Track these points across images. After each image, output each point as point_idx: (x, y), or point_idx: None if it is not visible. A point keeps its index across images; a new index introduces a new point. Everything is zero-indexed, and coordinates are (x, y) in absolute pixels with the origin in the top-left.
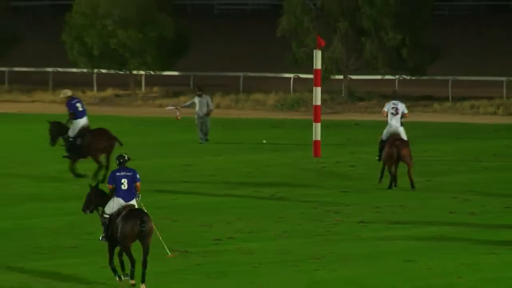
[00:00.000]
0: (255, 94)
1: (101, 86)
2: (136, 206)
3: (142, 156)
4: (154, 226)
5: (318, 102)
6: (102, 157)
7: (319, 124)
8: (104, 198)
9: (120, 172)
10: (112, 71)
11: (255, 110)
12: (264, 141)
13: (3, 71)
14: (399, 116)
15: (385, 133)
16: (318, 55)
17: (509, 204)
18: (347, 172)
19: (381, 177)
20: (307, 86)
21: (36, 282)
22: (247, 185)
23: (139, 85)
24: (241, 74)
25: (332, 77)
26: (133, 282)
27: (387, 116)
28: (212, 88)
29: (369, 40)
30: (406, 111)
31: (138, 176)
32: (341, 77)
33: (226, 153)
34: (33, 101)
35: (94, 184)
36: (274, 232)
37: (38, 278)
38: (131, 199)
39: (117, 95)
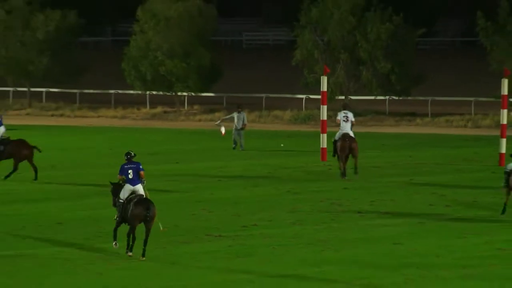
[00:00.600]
0: (274, 111)
1: (153, 105)
2: (142, 190)
3: (185, 160)
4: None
5: (325, 117)
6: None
7: (325, 135)
8: (118, 188)
9: (127, 165)
10: (161, 93)
11: (274, 124)
12: (282, 145)
13: (75, 93)
14: (349, 122)
15: (337, 135)
16: (324, 80)
17: (476, 198)
18: (347, 173)
19: (343, 173)
20: (316, 104)
21: (98, 258)
22: (268, 183)
23: (183, 104)
24: (263, 95)
25: (336, 97)
26: (130, 254)
27: (339, 123)
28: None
29: (365, 68)
30: (353, 120)
31: (141, 167)
32: (343, 97)
33: (252, 158)
34: (98, 117)
35: (113, 182)
36: (289, 220)
37: (101, 255)
38: (137, 184)
39: (165, 112)
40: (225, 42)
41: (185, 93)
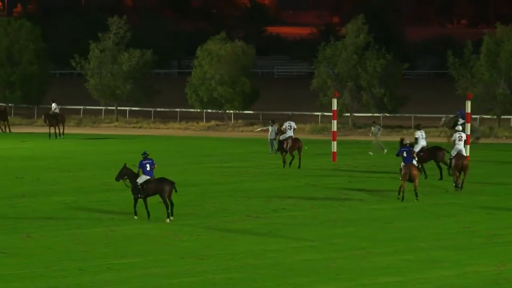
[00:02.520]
0: (298, 124)
1: (208, 119)
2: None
3: (231, 161)
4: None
5: (335, 129)
6: None
7: (335, 142)
8: (133, 173)
9: (145, 161)
10: (214, 111)
11: (298, 134)
12: (306, 148)
13: (150, 110)
14: (292, 129)
15: (282, 137)
16: (335, 101)
17: (447, 188)
18: (352, 170)
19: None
20: (328, 119)
21: (167, 233)
22: (292, 178)
23: (230, 119)
24: (290, 112)
25: (343, 114)
26: (168, 220)
27: (285, 129)
28: (273, 120)
29: (365, 92)
30: (295, 127)
31: (154, 162)
32: (348, 114)
33: (281, 159)
34: (167, 128)
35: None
36: (308, 205)
37: (169, 231)
38: (151, 174)
39: (217, 125)
40: (262, 73)
41: (231, 111)
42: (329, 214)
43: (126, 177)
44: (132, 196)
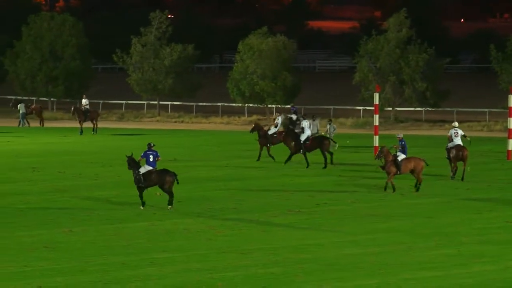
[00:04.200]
0: (340, 118)
1: (249, 114)
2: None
3: (276, 155)
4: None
5: (377, 123)
6: None
7: (377, 136)
8: (136, 163)
9: (149, 152)
10: (256, 105)
11: (340, 128)
12: (348, 142)
13: (192, 105)
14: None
15: (272, 130)
16: (376, 96)
17: (490, 183)
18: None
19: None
20: (370, 114)
21: (207, 227)
22: (335, 172)
23: (272, 112)
24: (331, 107)
25: (385, 109)
26: (170, 207)
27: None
28: (314, 115)
29: (407, 87)
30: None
31: (158, 154)
32: (390, 109)
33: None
34: (209, 123)
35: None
36: (350, 199)
37: (209, 225)
38: (154, 165)
39: (258, 119)
40: (303, 68)
41: (273, 105)
42: (371, 209)
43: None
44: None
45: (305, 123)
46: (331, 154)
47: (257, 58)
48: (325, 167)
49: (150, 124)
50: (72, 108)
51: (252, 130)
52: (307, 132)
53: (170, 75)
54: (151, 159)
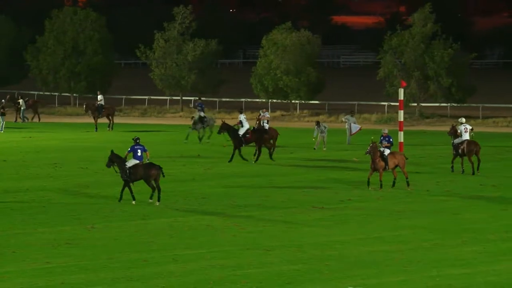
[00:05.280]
0: (364, 114)
1: (273, 109)
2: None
3: (297, 151)
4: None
5: (401, 119)
6: None
7: (402, 132)
8: (120, 158)
9: (136, 146)
10: (279, 101)
11: (364, 124)
12: (372, 138)
13: (215, 101)
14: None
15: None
16: (401, 91)
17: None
18: (419, 160)
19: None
20: (395, 109)
21: (231, 224)
22: (360, 168)
23: (295, 109)
24: (355, 102)
25: (410, 104)
26: (157, 203)
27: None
28: (338, 111)
29: (432, 82)
30: (268, 115)
31: (146, 148)
32: (415, 104)
33: (347, 149)
34: (232, 118)
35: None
36: (375, 196)
37: (234, 221)
38: (141, 159)
39: (282, 115)
40: (327, 63)
41: (297, 101)
42: (396, 206)
43: (115, 163)
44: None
45: (242, 117)
46: (269, 148)
47: (281, 53)
48: (256, 160)
49: (172, 119)
50: (85, 105)
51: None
52: (246, 126)
53: (193, 70)
54: (139, 154)
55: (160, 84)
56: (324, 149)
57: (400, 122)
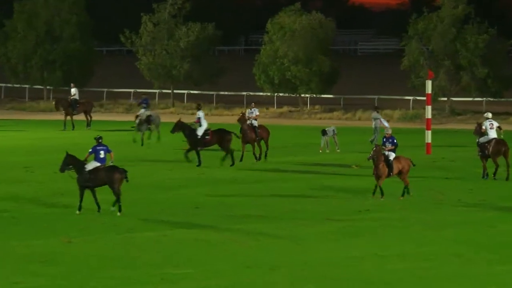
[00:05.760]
0: (385, 110)
1: (279, 105)
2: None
3: (306, 153)
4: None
5: (429, 116)
6: None
7: (429, 131)
8: (77, 161)
9: (99, 146)
10: (287, 94)
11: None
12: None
13: (212, 94)
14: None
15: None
16: (429, 84)
17: None
18: (449, 165)
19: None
20: (421, 105)
21: (229, 239)
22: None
23: (306, 104)
24: (375, 96)
25: (439, 99)
26: (118, 213)
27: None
28: (356, 106)
29: (465, 73)
30: (257, 113)
31: (110, 149)
32: (445, 99)
33: (365, 151)
34: (232, 115)
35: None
36: (397, 205)
37: (232, 236)
38: (104, 162)
39: (290, 111)
40: (343, 50)
41: (307, 95)
42: (421, 216)
43: (71, 166)
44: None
45: (201, 114)
46: (228, 152)
47: (289, 39)
48: (223, 160)
49: (162, 116)
50: (55, 101)
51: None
52: (204, 125)
53: (187, 59)
54: (102, 155)
55: (148, 74)
56: (338, 150)
57: (428, 119)
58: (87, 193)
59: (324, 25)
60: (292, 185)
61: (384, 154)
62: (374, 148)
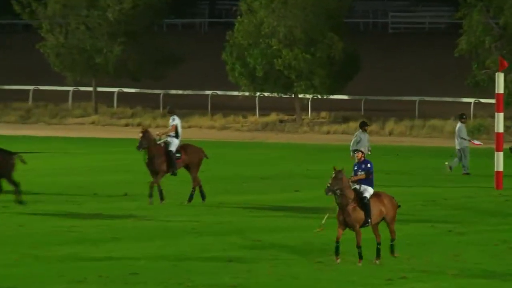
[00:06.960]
0: (431, 120)
1: (264, 111)
2: None
3: (307, 187)
4: None
5: (501, 130)
6: None
7: (501, 153)
8: None
9: None
10: (276, 95)
11: (431, 138)
12: (446, 163)
13: (158, 94)
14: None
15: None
16: (500, 78)
17: None
18: None
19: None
20: (489, 111)
21: None
22: (421, 219)
23: (305, 109)
24: (416, 98)
25: None
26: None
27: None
28: (384, 113)
29: None
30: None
31: None
32: None
33: (400, 184)
34: (189, 127)
35: None
36: (451, 271)
37: None
38: None
39: (281, 121)
40: (365, 25)
41: (308, 96)
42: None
43: None
44: None
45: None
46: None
47: (279, 7)
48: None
49: (78, 129)
50: None
51: (141, 146)
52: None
53: (118, 38)
54: None
55: (57, 62)
56: (369, 152)
57: (498, 134)
58: None
59: None
60: (287, 235)
61: (354, 188)
62: (333, 175)
